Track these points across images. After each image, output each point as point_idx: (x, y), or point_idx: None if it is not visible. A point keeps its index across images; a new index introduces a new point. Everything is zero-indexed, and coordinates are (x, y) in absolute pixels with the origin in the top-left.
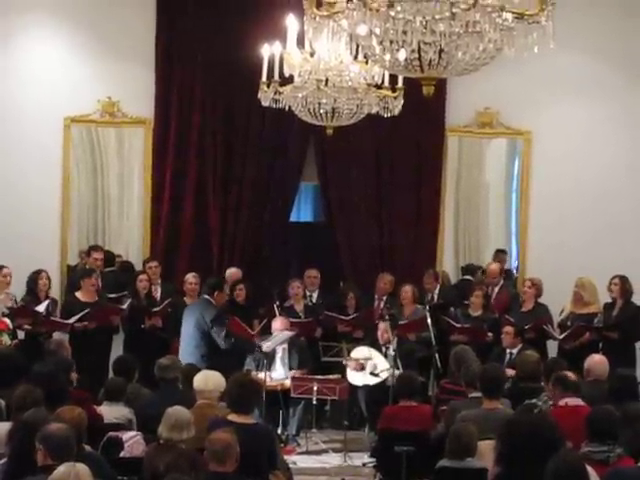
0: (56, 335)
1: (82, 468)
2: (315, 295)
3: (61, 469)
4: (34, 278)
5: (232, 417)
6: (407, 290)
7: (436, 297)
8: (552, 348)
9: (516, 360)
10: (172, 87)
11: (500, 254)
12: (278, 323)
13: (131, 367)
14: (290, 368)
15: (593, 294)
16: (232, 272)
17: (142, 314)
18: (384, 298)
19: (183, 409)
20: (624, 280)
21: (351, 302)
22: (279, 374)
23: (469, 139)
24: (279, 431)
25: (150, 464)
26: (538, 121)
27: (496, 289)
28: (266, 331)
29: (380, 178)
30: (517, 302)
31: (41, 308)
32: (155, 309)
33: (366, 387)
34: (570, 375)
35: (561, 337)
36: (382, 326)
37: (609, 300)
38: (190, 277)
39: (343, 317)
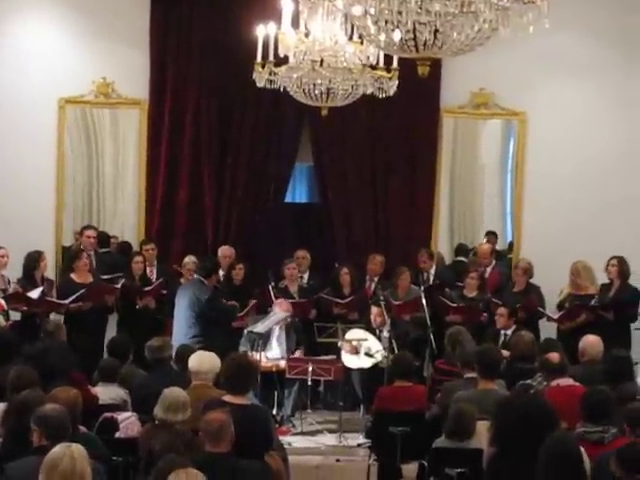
0: (53, 316)
1: (77, 448)
2: (306, 276)
3: (56, 449)
4: (36, 258)
5: (228, 398)
6: (404, 279)
7: (432, 277)
8: (548, 330)
9: (511, 341)
10: (167, 68)
11: (490, 235)
12: (278, 307)
13: (126, 348)
14: (288, 350)
15: (588, 278)
16: (225, 249)
17: (134, 294)
18: (375, 279)
19: (179, 390)
20: (622, 261)
21: (345, 278)
22: (275, 355)
23: (464, 120)
24: (274, 412)
25: (145, 445)
26: (533, 102)
27: (488, 270)
28: (259, 312)
29: (375, 159)
30: (509, 283)
31: (34, 295)
32: (146, 289)
33: (360, 369)
34: (552, 357)
35: (556, 317)
36: (375, 310)
37: (606, 280)
38: (190, 263)
39: (339, 300)
